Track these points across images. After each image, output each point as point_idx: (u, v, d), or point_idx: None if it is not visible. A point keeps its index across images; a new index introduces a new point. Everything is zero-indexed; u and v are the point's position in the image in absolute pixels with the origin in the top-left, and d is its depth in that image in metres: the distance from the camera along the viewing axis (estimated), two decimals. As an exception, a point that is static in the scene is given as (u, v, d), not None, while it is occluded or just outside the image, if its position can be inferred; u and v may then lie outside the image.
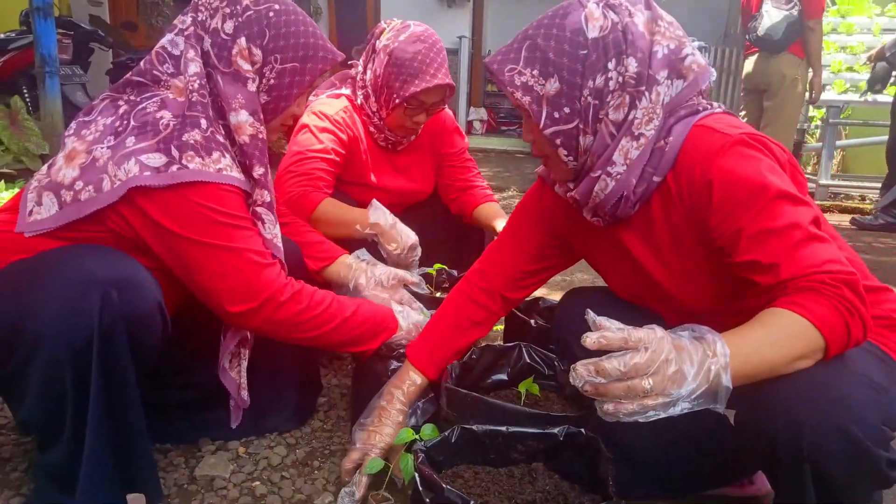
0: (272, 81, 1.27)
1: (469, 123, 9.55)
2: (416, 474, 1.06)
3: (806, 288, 0.94)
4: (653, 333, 0.86)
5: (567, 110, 1.07)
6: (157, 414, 1.35)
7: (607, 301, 1.31)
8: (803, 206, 1.00)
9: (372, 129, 1.93)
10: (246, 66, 1.23)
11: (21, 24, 4.81)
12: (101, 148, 1.13)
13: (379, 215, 1.76)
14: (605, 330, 0.86)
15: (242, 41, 1.22)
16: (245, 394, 1.43)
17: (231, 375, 1.41)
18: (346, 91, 1.94)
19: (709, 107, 1.11)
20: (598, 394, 0.85)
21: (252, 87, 1.24)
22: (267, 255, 1.26)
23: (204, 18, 1.24)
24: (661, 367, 0.83)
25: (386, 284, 1.59)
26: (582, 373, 0.85)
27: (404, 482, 1.20)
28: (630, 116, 1.07)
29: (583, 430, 1.16)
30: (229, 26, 1.22)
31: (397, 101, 1.80)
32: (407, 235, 1.76)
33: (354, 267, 1.61)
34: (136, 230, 1.15)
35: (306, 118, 1.86)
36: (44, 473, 1.14)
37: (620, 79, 1.06)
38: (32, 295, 1.06)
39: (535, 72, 1.07)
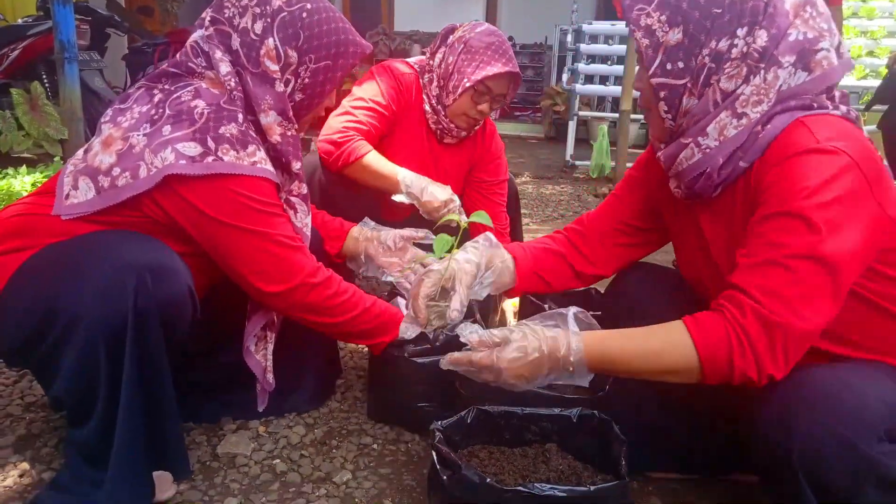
0: (307, 80, 1.30)
1: (482, 109, 9.52)
2: (434, 453, 1.09)
3: (719, 307, 0.98)
4: (504, 360, 1.05)
5: (681, 65, 1.05)
6: (181, 393, 1.38)
7: (657, 280, 1.36)
8: (818, 239, 0.92)
9: (428, 108, 2.00)
10: (273, 67, 1.25)
11: (38, 9, 4.85)
12: (138, 135, 1.16)
13: (410, 179, 1.83)
14: (456, 359, 1.11)
15: (270, 42, 1.24)
16: (270, 377, 1.47)
17: (256, 358, 1.44)
18: (416, 67, 2.04)
19: (827, 106, 1.03)
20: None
21: (280, 87, 1.26)
22: (298, 240, 1.30)
23: (231, 15, 1.25)
24: (505, 376, 1.06)
25: (395, 248, 1.64)
26: (443, 363, 1.13)
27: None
28: (739, 90, 1.03)
29: (596, 412, 1.18)
30: (259, 27, 1.24)
31: (468, 84, 1.88)
32: (440, 191, 1.83)
33: (361, 239, 1.66)
34: (172, 216, 1.18)
35: (376, 68, 1.99)
36: (74, 449, 1.18)
37: (745, 48, 1.01)
38: (69, 277, 1.09)
39: (663, 17, 1.05)
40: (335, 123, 1.89)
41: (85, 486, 1.15)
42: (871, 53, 5.41)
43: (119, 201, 1.14)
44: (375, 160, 1.86)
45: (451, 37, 1.96)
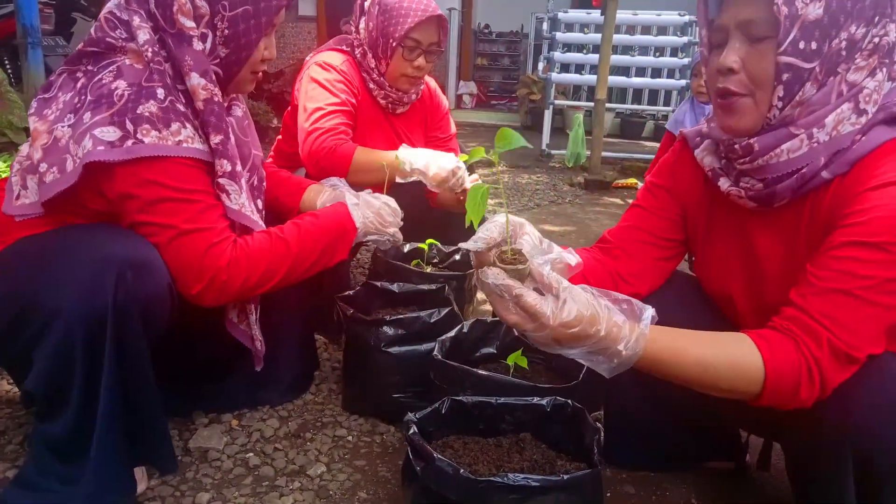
0: (227, 32, 1.21)
1: (458, 97, 9.49)
2: (407, 445, 1.09)
3: (787, 330, 0.92)
4: (559, 318, 0.87)
5: (814, 46, 0.92)
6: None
7: (684, 293, 1.27)
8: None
9: (372, 85, 1.95)
10: (189, 24, 1.17)
11: (0, -8, 4.71)
12: (63, 127, 1.11)
13: (412, 157, 1.74)
14: (499, 277, 0.89)
15: None
16: (259, 344, 1.42)
17: (241, 328, 1.40)
18: (346, 48, 1.97)
19: None
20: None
21: (198, 45, 1.18)
22: (219, 233, 1.20)
23: None
24: (546, 331, 0.88)
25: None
26: (493, 283, 0.90)
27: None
28: (863, 83, 0.95)
29: (570, 401, 1.19)
30: None
31: (394, 44, 1.85)
32: (446, 161, 1.75)
33: (321, 191, 1.57)
34: (113, 208, 1.14)
35: (313, 72, 1.88)
36: (42, 444, 1.15)
37: (877, 39, 0.93)
38: (48, 272, 1.06)
39: None
40: (308, 146, 1.78)
41: (52, 481, 1.13)
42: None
43: (50, 198, 1.09)
44: (367, 154, 1.77)
45: (366, 4, 1.91)
